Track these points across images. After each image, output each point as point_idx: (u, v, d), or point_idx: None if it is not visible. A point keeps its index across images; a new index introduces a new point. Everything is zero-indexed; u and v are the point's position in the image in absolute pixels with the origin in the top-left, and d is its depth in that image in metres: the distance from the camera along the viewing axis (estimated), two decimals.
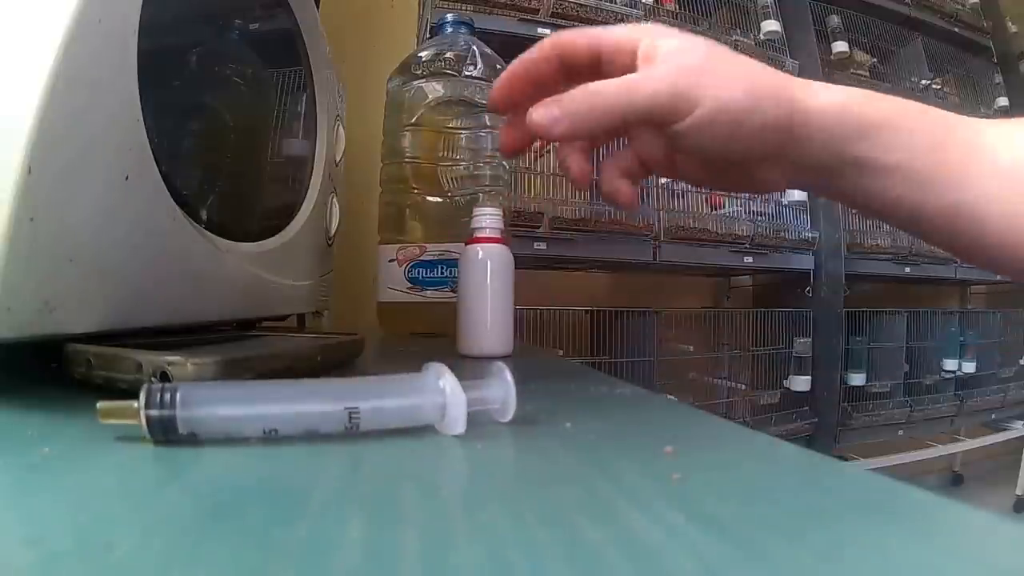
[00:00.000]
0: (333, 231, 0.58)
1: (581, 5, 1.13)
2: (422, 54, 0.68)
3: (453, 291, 0.55)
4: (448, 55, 0.67)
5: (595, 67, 0.30)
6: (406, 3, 1.19)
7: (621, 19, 1.15)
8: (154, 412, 0.19)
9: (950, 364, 1.62)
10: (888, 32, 1.60)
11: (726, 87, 0.27)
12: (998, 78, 1.79)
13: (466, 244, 0.47)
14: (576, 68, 0.30)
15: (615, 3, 1.18)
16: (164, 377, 0.24)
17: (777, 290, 1.51)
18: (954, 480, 1.88)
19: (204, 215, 0.36)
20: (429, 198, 0.66)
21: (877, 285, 1.67)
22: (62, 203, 0.24)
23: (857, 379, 1.47)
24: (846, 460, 1.37)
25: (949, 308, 1.76)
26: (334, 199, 0.58)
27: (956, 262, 1.56)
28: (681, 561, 0.12)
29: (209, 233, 0.36)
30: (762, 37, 1.37)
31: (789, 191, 1.37)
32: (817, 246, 1.37)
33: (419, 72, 0.67)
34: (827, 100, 0.28)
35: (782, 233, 1.33)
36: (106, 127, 0.26)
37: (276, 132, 0.51)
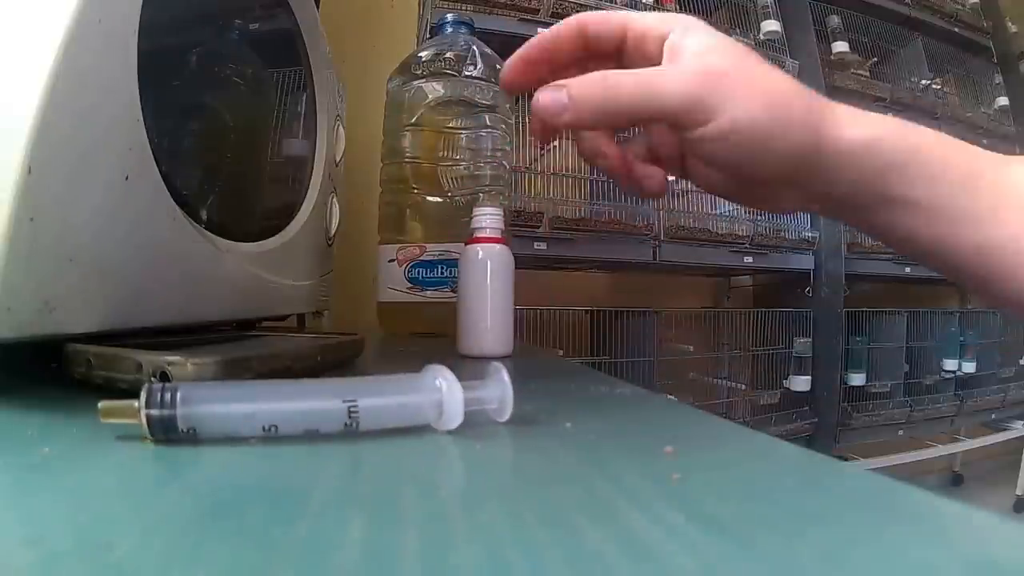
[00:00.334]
0: (333, 231, 0.58)
1: (581, 5, 1.13)
2: (422, 54, 0.68)
3: (453, 291, 0.55)
4: (448, 55, 0.67)
5: (619, 52, 0.29)
6: (406, 3, 1.19)
7: None
8: (155, 411, 0.19)
9: (950, 364, 1.62)
10: (888, 32, 1.60)
11: (746, 102, 0.25)
12: (998, 78, 1.79)
13: (466, 244, 0.47)
14: (599, 51, 0.29)
15: (615, 3, 1.18)
16: (164, 377, 0.24)
17: (777, 290, 1.51)
18: (954, 480, 1.88)
19: (204, 215, 0.36)
20: (429, 198, 0.66)
21: (877, 285, 1.67)
22: (62, 203, 0.24)
23: (857, 379, 1.47)
24: (846, 460, 1.37)
25: (949, 308, 1.76)
26: (334, 199, 0.58)
27: None
28: (681, 561, 0.12)
29: (209, 233, 0.36)
30: (762, 37, 1.37)
31: None
32: (817, 246, 1.37)
33: (419, 72, 0.67)
34: (857, 134, 0.27)
35: (782, 233, 1.33)
36: (106, 127, 0.26)
37: (276, 132, 0.51)
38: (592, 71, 0.27)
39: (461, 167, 0.66)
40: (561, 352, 1.14)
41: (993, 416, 1.74)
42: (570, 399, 0.32)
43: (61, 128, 0.23)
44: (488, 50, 0.69)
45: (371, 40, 1.13)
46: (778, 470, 0.20)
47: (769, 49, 1.36)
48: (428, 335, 0.62)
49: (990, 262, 0.27)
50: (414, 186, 0.67)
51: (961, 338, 1.64)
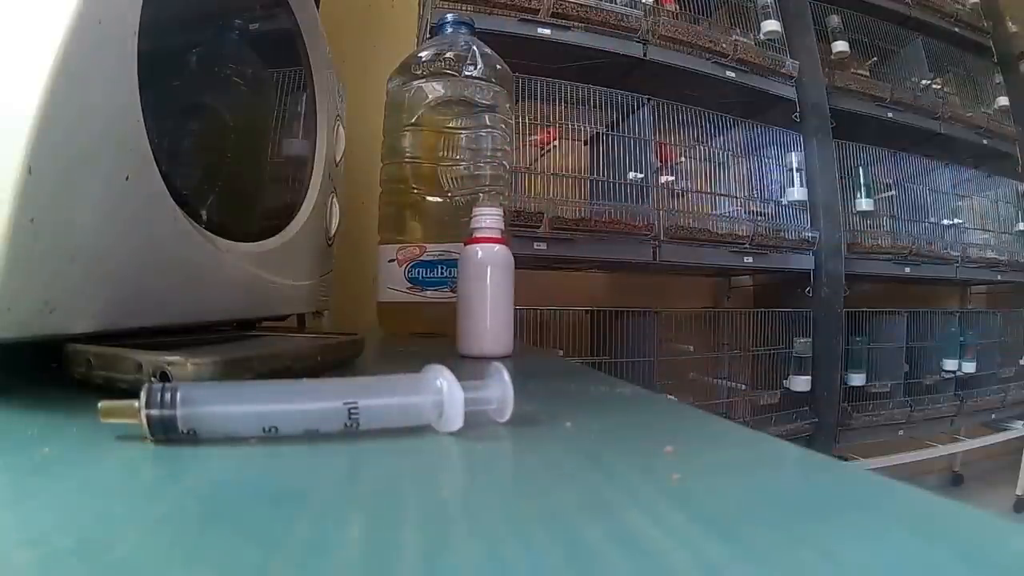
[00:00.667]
0: (333, 231, 0.58)
1: (581, 5, 1.13)
2: (422, 54, 0.68)
3: (453, 291, 0.55)
4: (448, 55, 0.67)
5: None
6: (406, 3, 1.19)
7: (621, 19, 1.15)
8: (155, 411, 0.19)
9: (950, 364, 1.62)
10: (888, 32, 1.60)
11: None
12: (998, 78, 1.79)
13: (466, 244, 0.47)
14: None
15: (615, 3, 1.18)
16: (164, 377, 0.24)
17: (777, 290, 1.51)
18: (954, 480, 1.88)
19: (204, 215, 0.36)
20: (429, 198, 0.66)
21: (877, 285, 1.67)
22: (62, 203, 0.24)
23: (857, 379, 1.47)
24: (846, 460, 1.37)
25: (949, 308, 1.76)
26: (334, 199, 0.58)
27: (956, 262, 1.56)
28: (681, 561, 0.12)
29: (209, 233, 0.36)
30: (762, 37, 1.37)
31: (789, 190, 1.37)
32: (817, 246, 1.37)
33: (419, 72, 0.67)
34: None
35: (782, 233, 1.33)
36: (106, 127, 0.26)
37: (276, 132, 0.51)
38: None
39: (461, 167, 0.66)
40: (561, 352, 1.14)
41: (993, 416, 1.74)
42: (570, 399, 0.32)
43: (61, 128, 0.23)
44: (488, 50, 0.69)
45: (371, 40, 1.13)
46: (778, 470, 0.20)
47: (769, 49, 1.36)
48: (428, 335, 0.62)
49: None
50: (414, 186, 0.67)
51: (961, 338, 1.64)
